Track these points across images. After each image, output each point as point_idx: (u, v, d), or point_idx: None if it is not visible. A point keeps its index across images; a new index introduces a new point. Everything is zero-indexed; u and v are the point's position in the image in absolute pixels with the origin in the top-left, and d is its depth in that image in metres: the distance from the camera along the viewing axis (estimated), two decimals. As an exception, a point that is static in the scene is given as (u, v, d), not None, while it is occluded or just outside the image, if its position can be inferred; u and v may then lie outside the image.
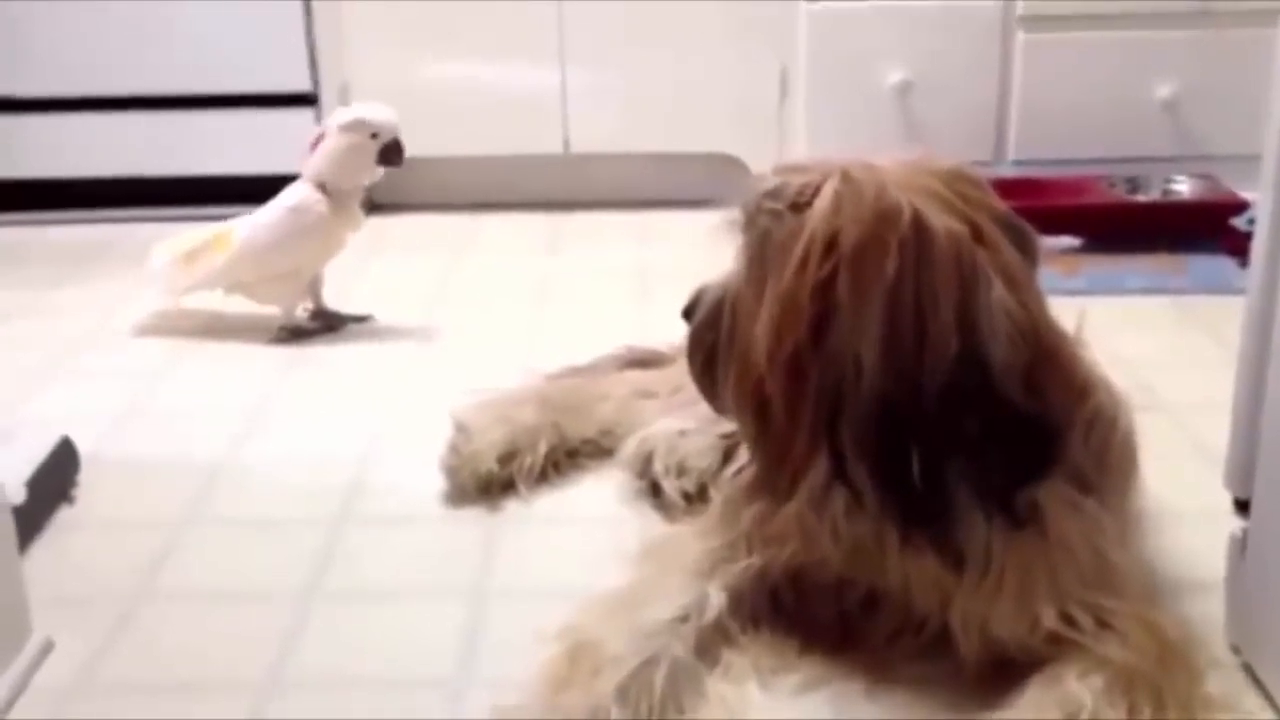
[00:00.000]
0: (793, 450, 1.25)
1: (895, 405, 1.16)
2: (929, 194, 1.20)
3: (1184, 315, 2.31)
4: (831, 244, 1.18)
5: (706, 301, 1.32)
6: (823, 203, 1.19)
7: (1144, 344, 2.17)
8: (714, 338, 1.31)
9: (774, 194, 1.23)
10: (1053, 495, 1.23)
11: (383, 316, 2.41)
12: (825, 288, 1.18)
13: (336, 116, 2.29)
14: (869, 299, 1.17)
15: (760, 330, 1.23)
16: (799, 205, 1.21)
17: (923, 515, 1.19)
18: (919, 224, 1.17)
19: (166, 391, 2.11)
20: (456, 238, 2.89)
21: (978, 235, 1.20)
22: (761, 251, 1.24)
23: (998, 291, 1.18)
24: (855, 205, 1.18)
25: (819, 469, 1.24)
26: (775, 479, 1.29)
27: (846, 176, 1.20)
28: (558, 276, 2.63)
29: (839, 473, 1.21)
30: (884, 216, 1.17)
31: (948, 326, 1.16)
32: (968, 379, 1.16)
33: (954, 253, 1.17)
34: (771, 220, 1.23)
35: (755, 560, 1.35)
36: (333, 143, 2.27)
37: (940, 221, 1.18)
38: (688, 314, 1.35)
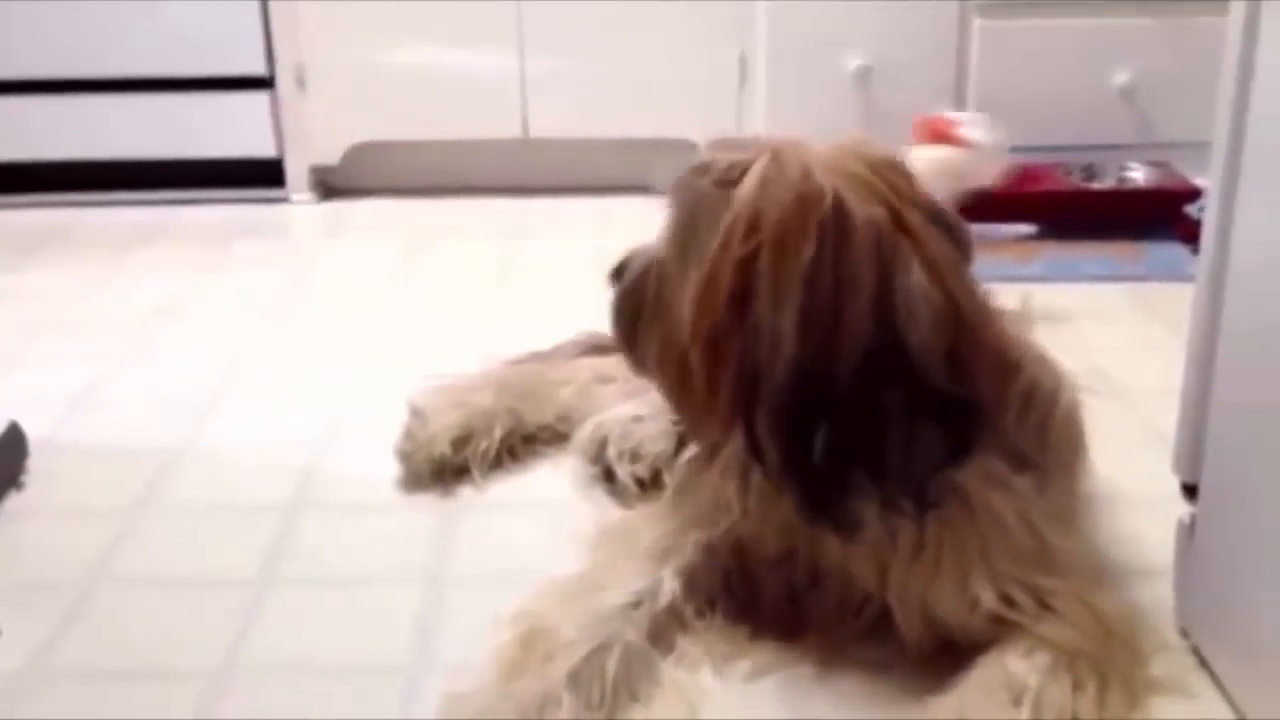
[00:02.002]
0: (711, 419, 1.27)
1: (811, 383, 1.17)
2: (855, 180, 1.20)
3: (1139, 302, 2.33)
4: (754, 224, 1.19)
5: (634, 267, 1.34)
6: (749, 182, 1.21)
7: (1099, 330, 2.19)
8: (638, 303, 1.33)
9: (702, 170, 1.26)
10: (976, 473, 1.24)
11: (341, 302, 2.40)
12: (746, 266, 1.20)
13: (977, 124, 2.23)
14: (788, 279, 1.18)
15: (684, 303, 1.24)
16: (725, 183, 1.23)
17: (819, 494, 1.19)
18: (840, 208, 1.18)
19: (122, 377, 2.09)
20: (415, 223, 2.87)
21: (899, 222, 1.20)
22: (688, 226, 1.26)
23: (916, 276, 1.18)
24: (779, 187, 1.19)
25: (735, 442, 1.26)
26: (700, 439, 1.35)
27: (775, 157, 1.21)
28: (517, 262, 2.62)
29: (753, 450, 1.22)
30: (806, 199, 1.18)
31: (864, 308, 1.16)
32: (884, 360, 1.16)
33: (873, 237, 1.18)
34: (698, 196, 1.25)
35: (700, 536, 1.36)
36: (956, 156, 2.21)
37: (861, 208, 1.18)
38: (616, 276, 1.38)
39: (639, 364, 1.38)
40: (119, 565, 1.54)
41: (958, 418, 1.18)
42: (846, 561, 1.29)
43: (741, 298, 1.20)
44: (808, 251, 1.17)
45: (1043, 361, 1.34)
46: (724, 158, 1.24)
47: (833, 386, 1.16)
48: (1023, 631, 1.24)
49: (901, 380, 1.16)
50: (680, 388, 1.30)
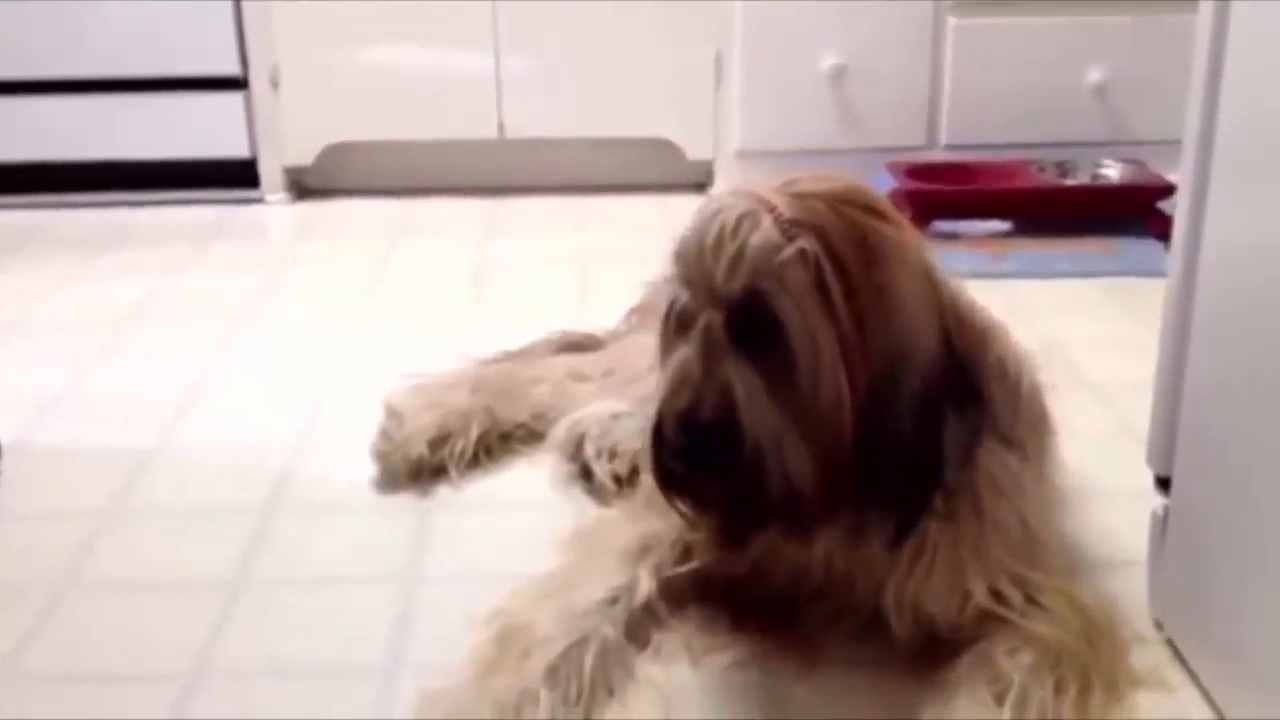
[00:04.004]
0: (841, 495, 1.19)
1: (927, 409, 1.17)
2: (873, 210, 1.20)
3: (1113, 298, 2.34)
4: (842, 264, 1.15)
5: (714, 402, 1.16)
6: (811, 241, 1.14)
7: (1073, 326, 2.19)
8: (730, 449, 1.16)
9: (768, 250, 1.14)
10: (987, 452, 1.25)
11: (315, 303, 2.39)
12: (859, 314, 1.15)
13: None
14: (888, 316, 1.16)
15: (830, 379, 1.14)
16: (797, 260, 1.14)
17: (911, 520, 1.19)
18: (891, 243, 1.18)
19: (96, 378, 2.08)
20: (391, 223, 2.87)
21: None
22: (802, 304, 1.14)
23: (950, 284, 1.22)
24: (840, 236, 1.16)
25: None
26: (822, 525, 1.22)
27: (793, 220, 1.16)
28: (493, 261, 2.62)
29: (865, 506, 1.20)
30: (871, 241, 1.17)
31: (935, 323, 1.18)
32: (943, 367, 1.18)
33: (919, 261, 1.19)
34: (786, 276, 1.14)
35: (696, 564, 1.35)
36: None
37: (895, 232, 1.19)
38: (687, 428, 1.17)
39: (756, 495, 1.17)
40: (93, 567, 1.53)
41: (972, 399, 1.20)
42: (852, 570, 1.29)
43: (871, 326, 1.16)
44: (903, 284, 1.16)
45: (1005, 332, 1.34)
46: (760, 235, 1.15)
47: (936, 406, 1.17)
48: (1010, 627, 1.24)
49: (949, 382, 1.17)
50: (829, 477, 1.17)
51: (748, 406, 1.14)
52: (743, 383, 1.15)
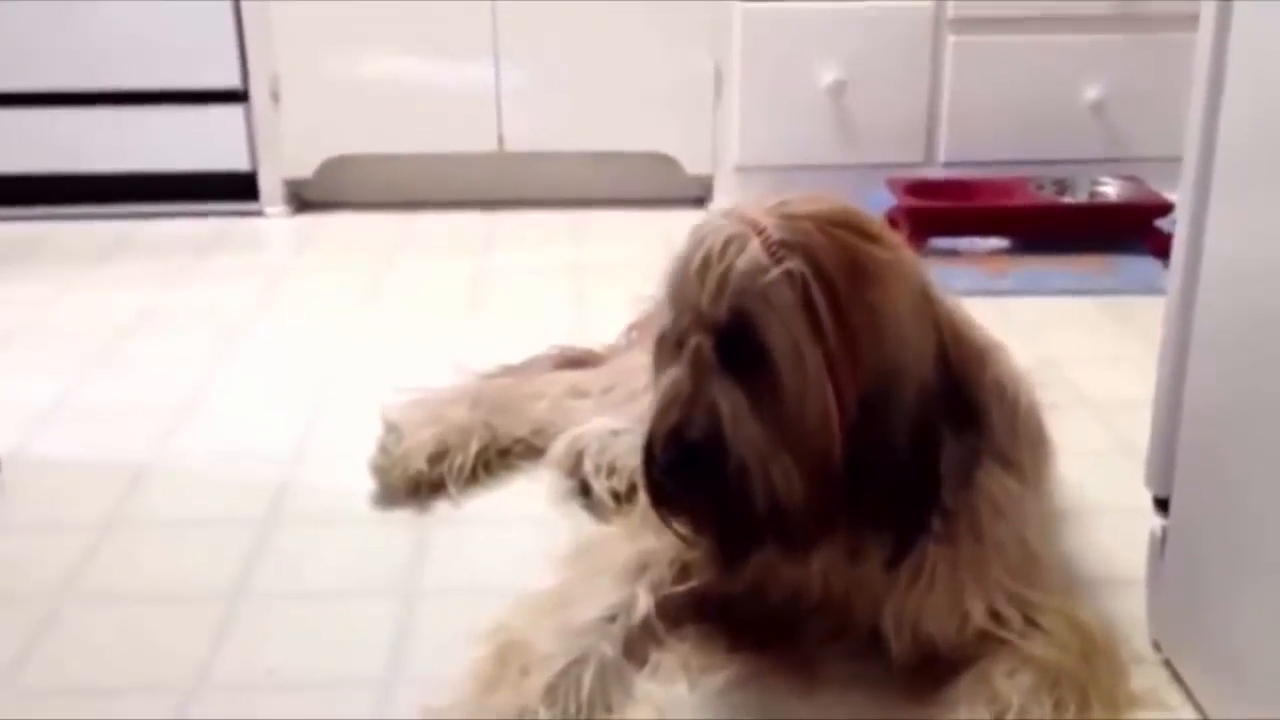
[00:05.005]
0: (833, 513, 1.20)
1: (922, 430, 1.17)
2: (864, 233, 1.20)
3: (1110, 315, 2.34)
4: (830, 284, 1.15)
5: (701, 423, 1.17)
6: (795, 258, 1.15)
7: (1070, 343, 2.19)
8: (716, 465, 1.17)
9: (754, 272, 1.15)
10: (986, 473, 1.25)
11: (314, 315, 2.39)
12: (849, 334, 1.16)
13: None
14: (897, 314, 1.17)
15: (817, 398, 1.15)
16: (786, 281, 1.15)
17: (909, 538, 1.20)
18: (886, 267, 1.19)
19: (94, 389, 2.08)
20: (390, 236, 2.87)
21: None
22: (785, 322, 1.15)
23: (946, 303, 1.22)
24: (830, 255, 1.16)
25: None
26: (813, 544, 1.23)
27: (784, 242, 1.17)
28: (491, 275, 2.62)
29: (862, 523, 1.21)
30: (862, 263, 1.17)
31: (933, 346, 1.18)
32: (944, 378, 1.19)
33: (916, 281, 1.20)
34: (774, 297, 1.15)
35: (694, 582, 1.35)
36: None
37: (888, 254, 1.19)
38: (680, 460, 1.18)
39: (748, 513, 1.18)
40: (90, 579, 1.53)
41: (970, 420, 1.21)
42: (850, 589, 1.29)
43: (862, 345, 1.16)
44: (894, 304, 1.16)
45: (1003, 351, 1.34)
46: (747, 256, 1.16)
47: (932, 426, 1.17)
48: (1008, 648, 1.25)
49: (946, 401, 1.18)
50: (818, 494, 1.18)
51: (733, 425, 1.16)
52: (729, 402, 1.16)
